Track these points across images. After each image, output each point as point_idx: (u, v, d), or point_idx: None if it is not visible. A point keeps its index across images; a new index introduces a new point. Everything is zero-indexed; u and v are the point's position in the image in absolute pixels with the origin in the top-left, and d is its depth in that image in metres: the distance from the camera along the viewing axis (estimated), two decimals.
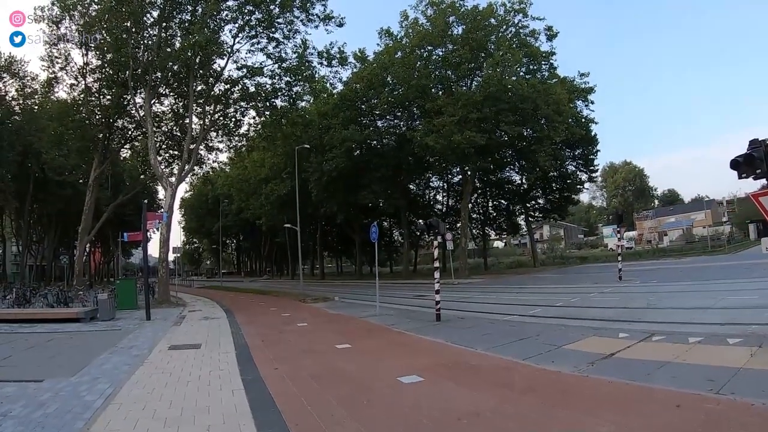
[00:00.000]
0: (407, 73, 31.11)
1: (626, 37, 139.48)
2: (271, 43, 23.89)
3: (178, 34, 22.75)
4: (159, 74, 23.06)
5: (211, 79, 24.53)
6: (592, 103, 37.30)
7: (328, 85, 31.75)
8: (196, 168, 29.65)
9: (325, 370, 6.90)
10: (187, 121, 24.59)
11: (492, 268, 43.42)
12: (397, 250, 57.48)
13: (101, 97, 25.55)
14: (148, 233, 19.61)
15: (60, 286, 23.72)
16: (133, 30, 21.61)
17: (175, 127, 28.38)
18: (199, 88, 24.35)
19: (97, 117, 26.06)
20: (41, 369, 7.40)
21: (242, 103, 26.18)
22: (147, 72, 22.13)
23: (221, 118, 26.82)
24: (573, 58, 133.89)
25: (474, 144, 27.79)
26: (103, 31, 21.52)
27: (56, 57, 23.80)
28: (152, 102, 23.90)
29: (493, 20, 29.91)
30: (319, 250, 59.04)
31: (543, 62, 32.76)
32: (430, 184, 46.93)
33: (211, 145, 29.31)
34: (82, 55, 23.87)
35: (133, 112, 26.10)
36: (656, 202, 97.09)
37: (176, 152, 28.57)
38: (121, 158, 35.18)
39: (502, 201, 45.99)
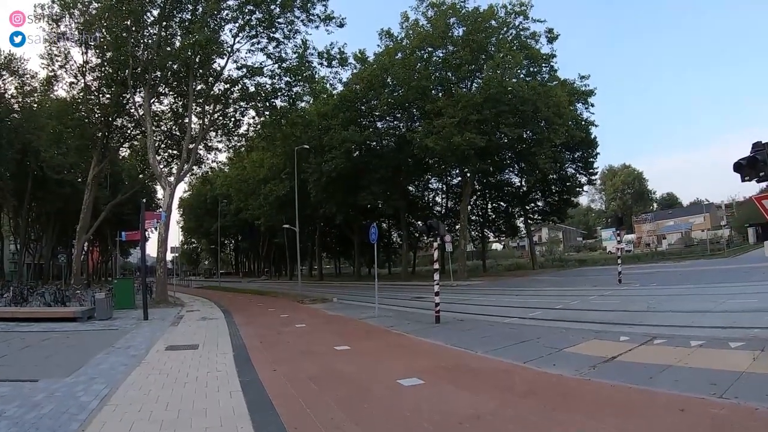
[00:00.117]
0: (407, 74, 31.09)
1: (624, 40, 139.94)
2: (272, 43, 23.90)
3: (178, 33, 22.72)
4: (159, 73, 22.99)
5: (210, 78, 24.48)
6: (592, 105, 37.39)
7: (328, 85, 31.72)
8: (195, 168, 29.59)
9: (323, 371, 6.83)
10: (187, 120, 24.54)
11: (490, 270, 43.35)
12: (395, 251, 57.44)
13: (100, 95, 25.46)
14: (147, 233, 19.52)
15: (57, 285, 23.60)
16: (133, 29, 21.55)
17: (174, 127, 28.31)
18: (199, 87, 24.29)
19: (97, 115, 25.98)
20: (37, 369, 7.32)
21: (242, 103, 26.15)
22: (146, 71, 22.06)
23: (221, 118, 26.77)
24: (572, 60, 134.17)
25: (474, 146, 27.78)
26: (103, 30, 21.44)
27: (56, 55, 23.73)
28: (152, 101, 23.83)
29: (493, 22, 29.94)
30: (318, 251, 58.96)
31: (543, 65, 32.79)
32: (430, 185, 46.92)
33: (210, 144, 29.28)
34: (82, 54, 23.84)
35: (132, 111, 26.03)
36: (655, 205, 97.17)
37: (175, 152, 28.50)
38: (120, 157, 35.06)
39: (501, 203, 46.03)
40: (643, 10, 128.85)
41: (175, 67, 23.14)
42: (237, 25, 22.83)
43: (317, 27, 23.94)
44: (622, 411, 4.45)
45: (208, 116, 25.46)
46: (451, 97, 30.16)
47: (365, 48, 45.76)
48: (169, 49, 22.17)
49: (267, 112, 26.03)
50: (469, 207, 40.38)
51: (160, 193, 37.15)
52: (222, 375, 6.71)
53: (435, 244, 13.03)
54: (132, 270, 75.03)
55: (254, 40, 23.73)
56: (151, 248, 40.85)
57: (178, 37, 22.70)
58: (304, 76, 24.71)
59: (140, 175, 35.71)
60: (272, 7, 22.46)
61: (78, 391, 5.84)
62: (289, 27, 23.52)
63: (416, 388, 5.66)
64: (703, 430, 3.87)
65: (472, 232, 46.49)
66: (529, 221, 45.80)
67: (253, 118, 27.43)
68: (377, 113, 36.74)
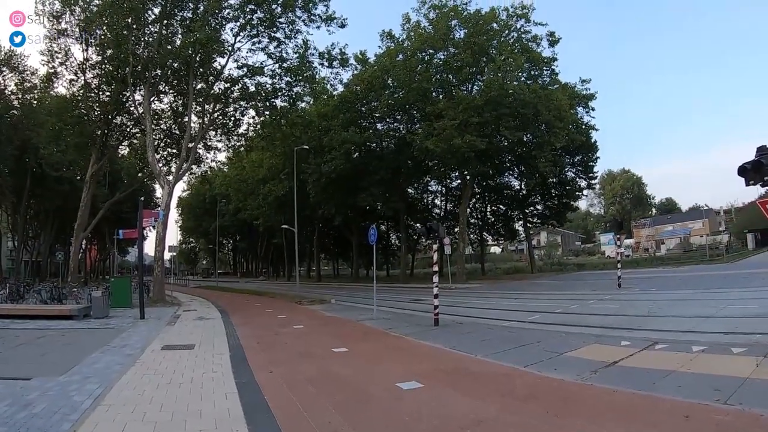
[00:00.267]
0: (408, 76, 31.05)
1: (623, 45, 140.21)
2: (273, 42, 23.81)
3: (179, 32, 22.65)
4: (159, 71, 22.89)
5: (211, 77, 24.40)
6: (593, 109, 37.41)
7: (328, 86, 31.71)
8: (194, 167, 29.52)
9: (321, 374, 6.74)
10: (186, 119, 24.46)
11: (489, 274, 43.29)
12: (394, 253, 57.34)
13: (100, 93, 25.36)
14: (145, 231, 19.42)
15: (54, 283, 23.49)
16: (134, 26, 21.47)
17: (173, 125, 28.22)
18: (199, 86, 24.21)
19: (96, 113, 25.87)
20: (30, 367, 7.23)
21: (242, 103, 26.08)
22: (147, 69, 21.97)
23: (220, 117, 26.70)
24: (572, 64, 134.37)
25: (474, 148, 27.72)
26: (104, 27, 21.38)
27: (56, 52, 23.61)
28: (151, 99, 23.74)
29: (495, 25, 29.89)
30: (316, 252, 58.85)
31: (545, 68, 32.74)
32: (429, 188, 46.88)
33: (209, 144, 29.16)
34: (82, 51, 23.69)
35: (132, 109, 25.93)
36: (654, 210, 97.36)
37: (174, 151, 28.40)
38: (119, 156, 34.98)
39: (501, 206, 45.93)
40: (642, 14, 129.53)
41: (176, 65, 23.05)
42: (238, 24, 22.78)
43: (318, 27, 23.90)
44: (625, 417, 4.37)
45: (208, 115, 25.38)
46: (451, 99, 30.11)
47: (366, 49, 45.61)
48: (169, 47, 22.08)
49: (267, 112, 25.97)
50: (468, 210, 40.31)
51: (158, 191, 37.01)
52: (218, 376, 6.62)
53: (434, 247, 12.95)
54: (130, 268, 74.87)
55: (255, 40, 23.69)
56: (150, 247, 40.79)
57: (179, 36, 22.64)
58: (305, 76, 24.66)
59: (139, 174, 35.61)
60: (274, 6, 22.41)
61: (71, 390, 5.75)
62: (291, 27, 23.48)
63: (415, 391, 5.58)
64: None
65: (471, 235, 46.40)
66: (528, 225, 45.73)
67: (253, 117, 27.42)
68: (377, 115, 36.70)
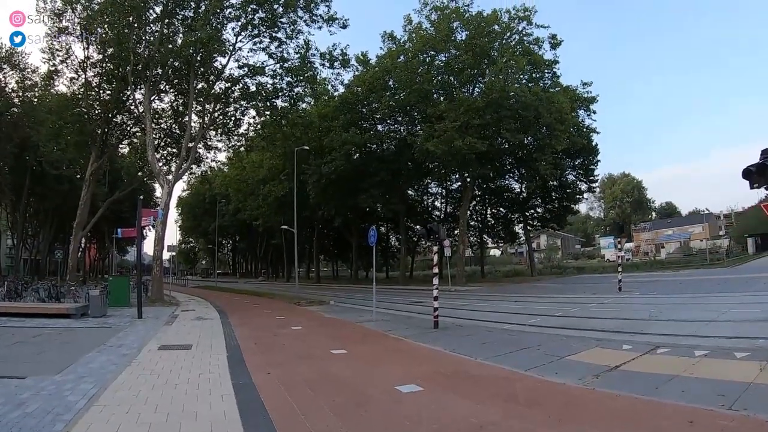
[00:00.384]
0: (409, 77, 31.02)
1: (623, 45, 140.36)
2: (274, 42, 23.73)
3: (180, 31, 22.60)
4: (159, 70, 22.85)
5: (211, 77, 24.36)
6: (594, 113, 37.38)
7: (329, 87, 31.68)
8: (194, 166, 29.45)
9: (319, 376, 6.65)
10: (187, 118, 24.40)
11: (489, 276, 43.24)
12: (393, 255, 57.31)
13: (101, 91, 25.33)
14: (144, 231, 19.35)
15: (53, 281, 23.41)
16: (135, 25, 21.41)
17: (174, 125, 28.17)
18: (200, 85, 24.15)
19: (96, 112, 25.83)
20: (25, 365, 7.16)
21: (242, 103, 26.01)
22: (147, 68, 21.94)
23: (221, 117, 26.63)
24: (572, 64, 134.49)
25: (475, 150, 27.68)
26: (105, 25, 21.34)
27: (57, 50, 23.55)
28: (152, 98, 23.69)
29: (497, 27, 29.83)
30: (315, 253, 58.76)
31: (546, 70, 32.76)
32: (429, 190, 46.87)
33: (209, 143, 29.10)
34: (83, 49, 23.65)
35: (132, 108, 25.90)
36: (654, 214, 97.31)
37: (174, 150, 28.31)
38: (120, 155, 34.93)
39: (501, 209, 45.90)
40: (642, 15, 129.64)
41: (177, 64, 23.01)
42: (239, 23, 22.70)
43: (320, 28, 23.83)
44: (629, 422, 4.31)
45: (208, 115, 25.33)
46: (452, 101, 30.09)
47: (367, 50, 45.80)
48: (170, 46, 22.02)
49: (267, 112, 25.90)
50: (468, 212, 40.24)
51: (158, 191, 36.95)
52: (214, 377, 6.53)
53: (435, 249, 12.88)
54: (129, 268, 74.78)
55: (256, 40, 23.60)
56: (149, 247, 40.65)
57: (180, 35, 22.58)
58: (306, 76, 24.60)
59: (139, 173, 35.55)
60: (275, 6, 22.34)
61: (66, 390, 5.67)
62: (292, 27, 23.40)
63: (415, 395, 5.49)
64: None
65: (471, 238, 46.34)
66: (528, 227, 45.67)
67: (254, 117, 27.35)
68: (378, 116, 36.68)
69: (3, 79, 30.82)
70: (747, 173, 6.56)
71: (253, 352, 8.82)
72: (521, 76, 30.24)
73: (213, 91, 24.55)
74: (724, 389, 4.97)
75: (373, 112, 36.35)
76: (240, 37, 23.12)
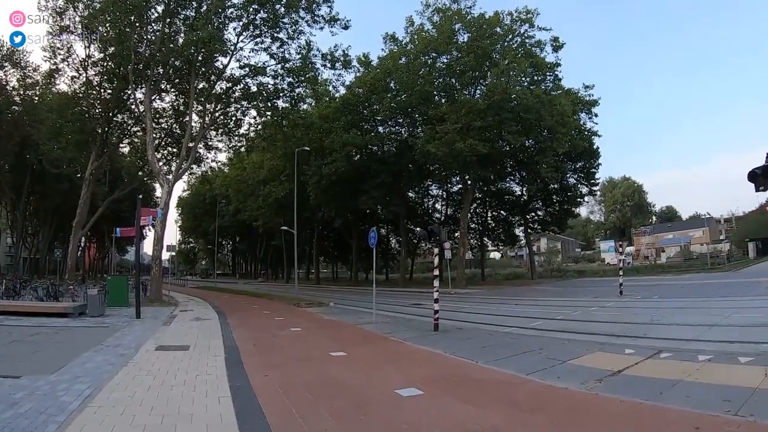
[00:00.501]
0: (411, 79, 30.99)
1: (623, 46, 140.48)
2: (275, 42, 23.69)
3: (182, 30, 22.54)
4: (161, 70, 22.82)
5: (212, 76, 24.32)
6: (596, 116, 37.34)
7: (330, 88, 31.62)
8: (194, 166, 29.40)
9: (318, 379, 6.55)
10: (187, 118, 24.37)
11: (489, 279, 43.15)
12: (393, 257, 57.27)
13: (102, 90, 25.28)
14: (144, 230, 19.31)
15: (51, 280, 23.33)
16: (137, 24, 21.38)
17: (174, 125, 28.14)
18: (201, 85, 24.12)
19: (97, 110, 25.80)
20: (21, 364, 7.06)
21: (243, 103, 25.95)
22: (148, 67, 21.91)
23: (221, 117, 26.58)
24: (573, 65, 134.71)
25: (476, 152, 27.62)
26: (107, 24, 21.31)
27: (58, 48, 23.52)
28: (153, 98, 23.65)
29: (499, 29, 29.82)
30: (315, 254, 58.68)
31: (548, 73, 32.72)
32: (430, 192, 46.81)
33: (210, 144, 29.05)
34: (85, 47, 23.64)
35: (133, 107, 25.87)
36: (654, 218, 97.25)
37: (175, 150, 28.29)
38: (120, 154, 34.88)
39: (502, 212, 45.81)
40: (642, 17, 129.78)
41: (178, 64, 22.98)
42: (241, 23, 22.67)
43: (322, 28, 23.76)
44: (633, 428, 4.24)
45: (209, 115, 25.27)
46: (454, 103, 30.08)
47: (369, 52, 45.67)
48: (172, 45, 21.98)
49: (268, 113, 25.84)
50: (469, 215, 40.16)
51: (158, 191, 36.92)
52: (212, 379, 6.44)
53: (435, 251, 12.79)
54: (129, 267, 74.62)
55: (258, 40, 23.56)
56: (149, 246, 40.61)
57: (182, 34, 22.53)
58: (307, 77, 24.53)
59: (139, 173, 35.50)
60: (277, 6, 22.31)
61: (60, 390, 5.58)
62: (294, 27, 23.35)
63: (415, 399, 5.39)
64: None
65: (471, 240, 46.26)
66: (529, 230, 45.57)
67: (254, 118, 27.28)
68: (379, 117, 36.61)
69: (4, 77, 30.81)
70: (753, 176, 6.49)
71: (251, 353, 8.73)
72: (523, 79, 30.21)
73: (214, 90, 24.52)
74: (729, 394, 4.88)
75: (374, 114, 36.29)
76: (241, 37, 23.13)
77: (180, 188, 70.02)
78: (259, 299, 26.38)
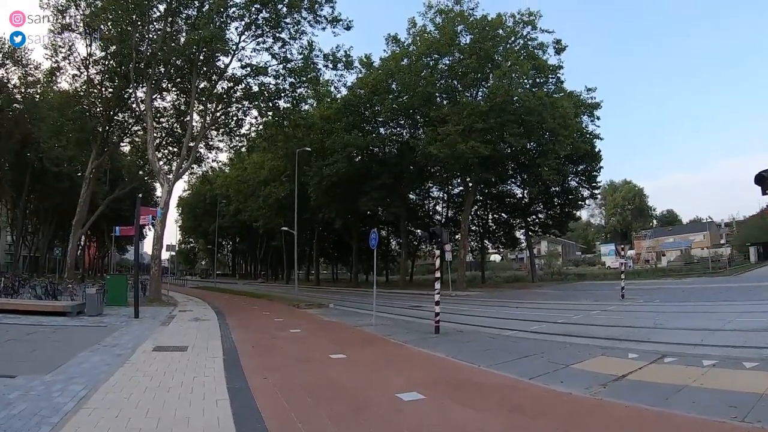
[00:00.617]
0: (413, 80, 30.89)
1: (625, 50, 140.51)
2: (277, 43, 23.67)
3: (184, 30, 22.53)
4: (162, 69, 22.81)
5: (214, 76, 24.30)
6: (598, 118, 37.27)
7: (332, 88, 31.57)
8: (194, 166, 29.35)
9: (318, 381, 6.46)
10: (188, 118, 24.33)
11: (489, 282, 42.99)
12: (393, 259, 57.14)
13: (103, 89, 25.25)
14: (144, 230, 19.28)
15: (50, 279, 23.26)
16: (138, 23, 21.37)
17: (175, 124, 28.11)
18: (202, 85, 24.11)
19: (98, 109, 25.76)
20: (17, 364, 6.99)
21: (245, 103, 25.90)
22: (150, 66, 21.87)
23: (222, 117, 26.53)
24: (575, 67, 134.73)
25: (478, 154, 27.51)
26: (108, 23, 21.30)
27: (60, 46, 23.48)
28: (154, 97, 23.63)
29: (501, 31, 29.75)
30: (315, 255, 58.56)
31: (550, 75, 32.62)
32: (431, 194, 46.69)
33: (211, 143, 29.03)
34: (86, 46, 23.62)
35: (134, 106, 25.83)
36: (654, 222, 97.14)
37: (175, 149, 28.24)
38: (120, 153, 34.85)
39: (503, 214, 45.68)
40: (644, 26, 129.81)
41: (179, 63, 22.96)
42: (243, 23, 22.65)
43: (324, 29, 23.73)
44: None
45: (210, 114, 25.23)
46: (456, 104, 29.99)
47: (371, 53, 45.72)
48: (173, 44, 21.96)
49: (270, 113, 25.78)
50: (470, 217, 40.04)
51: (159, 190, 36.88)
52: (209, 381, 6.34)
53: (436, 253, 12.68)
54: (128, 267, 74.52)
55: (260, 40, 23.53)
56: (148, 246, 40.57)
57: (183, 34, 22.52)
58: (309, 77, 24.49)
59: (140, 172, 35.46)
60: (279, 6, 22.28)
61: (55, 390, 5.50)
62: (296, 27, 23.33)
63: (416, 403, 5.30)
64: None
65: (472, 243, 46.12)
66: (530, 233, 45.44)
67: (256, 118, 27.22)
68: (381, 119, 36.50)
69: (5, 75, 30.82)
70: (760, 179, 6.41)
71: (250, 355, 8.64)
72: (525, 81, 30.16)
73: (215, 90, 24.50)
74: (735, 400, 4.81)
75: (376, 115, 36.19)
76: (243, 37, 23.11)
77: (180, 188, 70.14)
78: (259, 300, 26.28)
